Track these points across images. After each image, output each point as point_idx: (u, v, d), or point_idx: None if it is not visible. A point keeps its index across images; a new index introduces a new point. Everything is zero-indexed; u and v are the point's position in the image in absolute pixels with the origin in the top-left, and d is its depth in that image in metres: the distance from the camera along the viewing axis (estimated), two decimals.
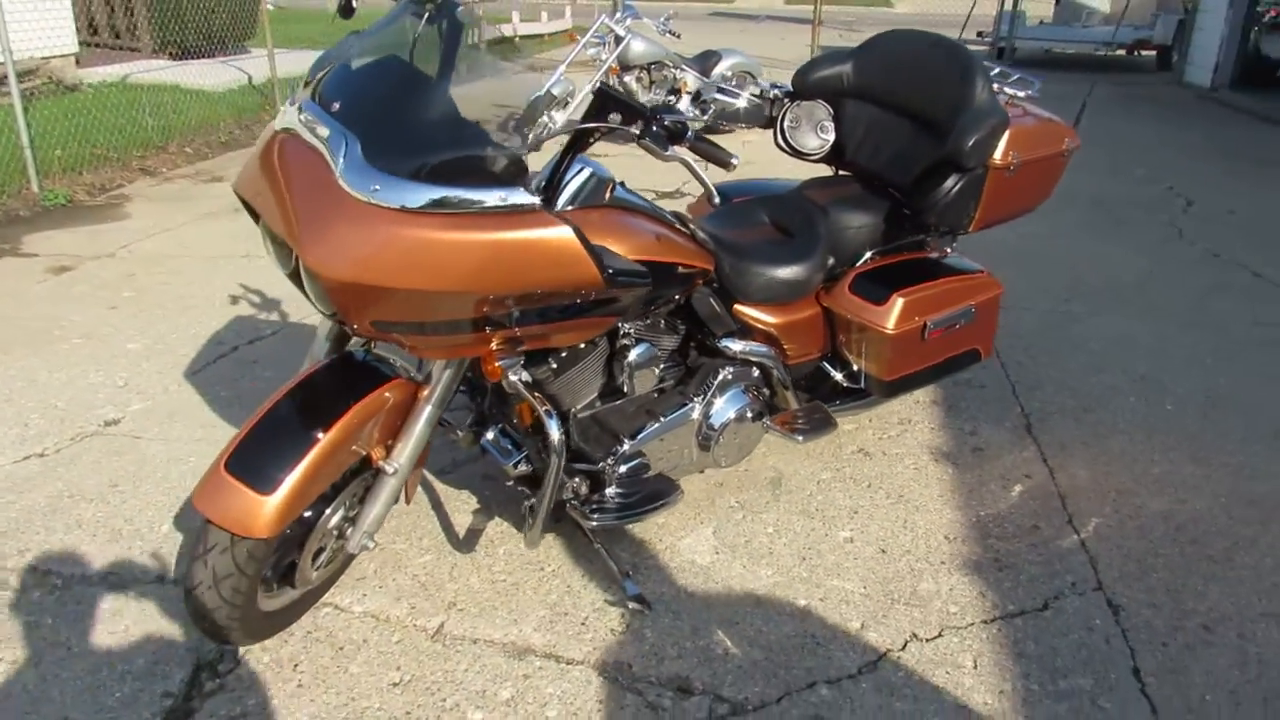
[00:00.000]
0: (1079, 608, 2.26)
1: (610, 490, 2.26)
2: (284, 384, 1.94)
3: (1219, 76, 10.52)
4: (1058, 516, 2.62)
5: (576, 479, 2.27)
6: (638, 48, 6.81)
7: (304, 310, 3.89)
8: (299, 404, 1.86)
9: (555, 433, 1.98)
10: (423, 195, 1.61)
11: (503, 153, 1.68)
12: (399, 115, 1.70)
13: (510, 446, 2.27)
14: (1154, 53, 12.62)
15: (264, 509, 1.73)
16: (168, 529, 2.49)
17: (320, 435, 1.80)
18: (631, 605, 2.22)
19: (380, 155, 1.62)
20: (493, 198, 1.64)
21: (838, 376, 2.69)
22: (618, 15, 7.21)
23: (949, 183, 2.49)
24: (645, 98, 7.08)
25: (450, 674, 2.03)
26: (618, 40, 7.01)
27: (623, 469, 2.27)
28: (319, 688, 1.98)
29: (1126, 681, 2.04)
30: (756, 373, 2.49)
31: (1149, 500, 2.70)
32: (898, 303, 2.46)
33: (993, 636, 2.16)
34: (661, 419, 2.34)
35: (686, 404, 2.38)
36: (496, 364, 1.87)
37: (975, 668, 2.07)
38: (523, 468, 2.26)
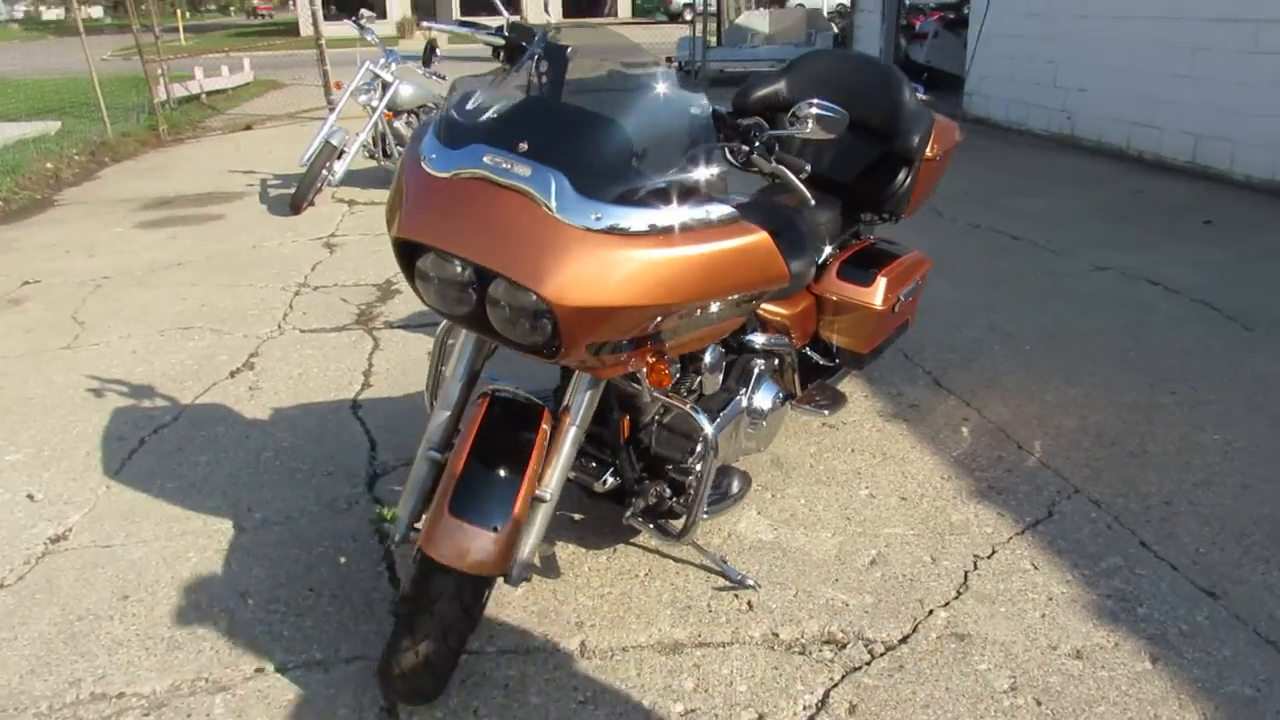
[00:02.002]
0: (1073, 509, 2.75)
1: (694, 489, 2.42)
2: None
3: None
4: (1009, 445, 3.12)
5: (659, 484, 2.41)
6: (406, 92, 6.82)
7: (193, 391, 3.65)
8: (493, 443, 1.88)
9: (709, 427, 2.14)
10: (642, 218, 1.73)
11: (698, 171, 1.82)
12: (590, 148, 1.80)
13: (594, 464, 2.38)
14: None
15: (497, 546, 1.76)
16: (230, 624, 2.33)
17: (524, 469, 1.84)
18: (741, 586, 2.41)
19: (588, 187, 1.72)
20: (702, 212, 1.79)
21: (815, 357, 3.03)
22: (381, 61, 7.23)
23: (901, 175, 2.91)
24: None
25: (627, 681, 2.12)
26: (385, 86, 7.02)
27: (699, 467, 2.45)
28: None
29: (1141, 552, 2.53)
30: (776, 361, 2.76)
31: (1063, 420, 3.28)
32: (882, 282, 2.83)
33: (1031, 543, 2.58)
34: (721, 414, 2.54)
35: (734, 397, 2.60)
36: (666, 371, 2.00)
37: (1036, 569, 2.48)
38: (611, 482, 2.37)
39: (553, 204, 1.71)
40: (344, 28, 9.26)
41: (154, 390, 3.70)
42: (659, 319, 1.80)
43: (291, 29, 34.61)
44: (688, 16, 36.13)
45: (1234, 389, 3.48)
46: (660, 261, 1.72)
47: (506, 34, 2.06)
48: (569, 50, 2.01)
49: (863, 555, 2.55)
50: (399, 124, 7.00)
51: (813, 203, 2.25)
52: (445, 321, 2.40)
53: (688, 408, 2.16)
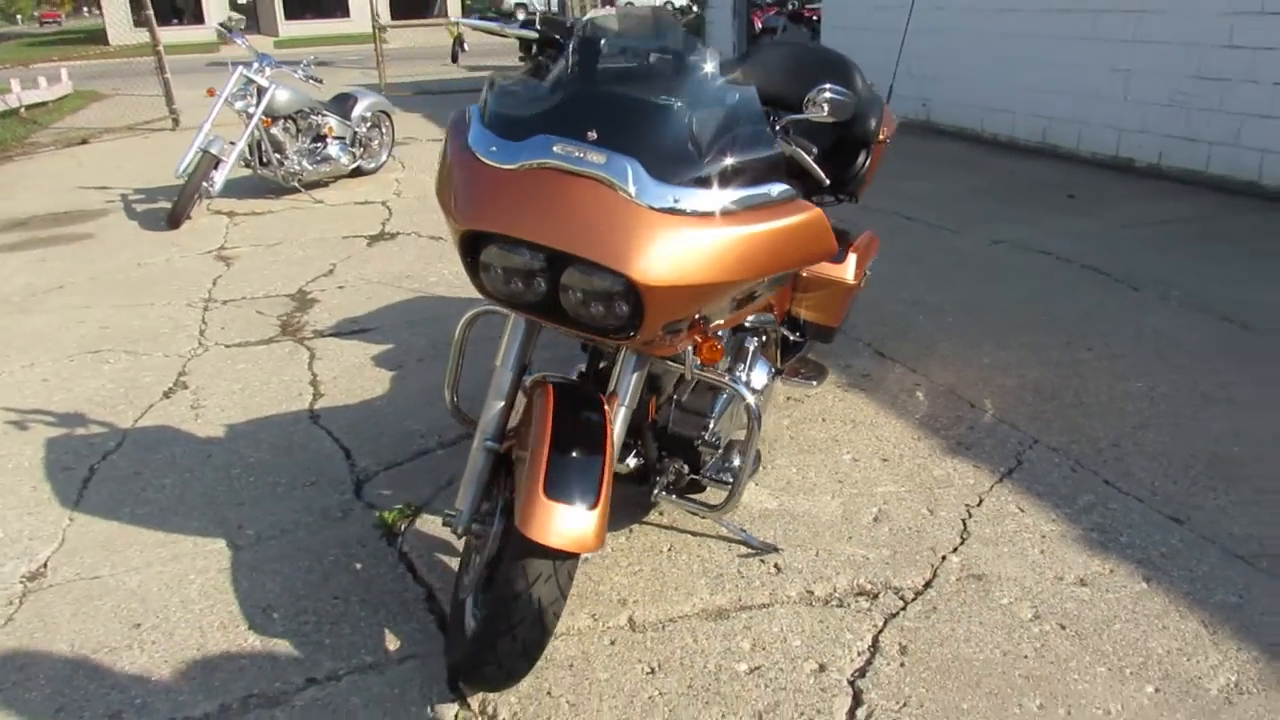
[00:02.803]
0: (1038, 456, 2.99)
1: (715, 462, 2.52)
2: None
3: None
4: (964, 405, 3.36)
5: (677, 461, 2.50)
6: (283, 97, 6.63)
7: (129, 414, 3.49)
8: (570, 425, 1.92)
9: (750, 398, 2.24)
10: (714, 198, 1.81)
11: (760, 152, 1.91)
12: (659, 133, 1.86)
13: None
14: None
15: (593, 522, 1.80)
16: (262, 639, 2.27)
17: (603, 449, 1.89)
18: (765, 551, 2.53)
19: (660, 171, 1.79)
20: (769, 191, 1.88)
21: (786, 334, 3.18)
22: (255, 65, 7.03)
23: (860, 158, 3.09)
24: (294, 147, 6.95)
25: (685, 648, 2.20)
26: (260, 92, 6.84)
27: (714, 442, 2.55)
28: (592, 700, 2.05)
29: (1107, 490, 2.80)
30: (764, 338, 2.89)
31: (1003, 379, 3.56)
32: (852, 258, 3.00)
33: (1011, 489, 2.81)
34: (726, 392, 2.65)
35: (760, 370, 2.70)
36: (719, 347, 2.09)
37: (1023, 511, 2.70)
38: (633, 463, 2.44)
39: (631, 189, 1.76)
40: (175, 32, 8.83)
41: (85, 417, 3.50)
42: (726, 296, 1.89)
43: (94, 36, 32.52)
44: (520, 16, 36.33)
45: (1140, 343, 3.85)
46: (734, 239, 1.81)
47: (539, 28, 2.09)
48: (608, 38, 2.06)
49: (865, 513, 2.71)
50: (276, 130, 6.78)
51: (827, 182, 2.38)
52: (467, 316, 2.41)
53: (729, 381, 2.25)
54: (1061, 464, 2.93)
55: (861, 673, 2.10)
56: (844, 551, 2.53)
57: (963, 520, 2.65)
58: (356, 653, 2.22)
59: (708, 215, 1.79)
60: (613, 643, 2.23)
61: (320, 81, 7.05)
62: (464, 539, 2.12)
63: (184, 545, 2.68)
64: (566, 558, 1.83)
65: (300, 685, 2.12)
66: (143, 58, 10.94)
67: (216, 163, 6.39)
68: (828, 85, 2.16)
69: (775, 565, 2.48)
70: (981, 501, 2.74)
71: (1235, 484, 2.79)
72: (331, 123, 7.20)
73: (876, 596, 2.35)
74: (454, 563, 2.54)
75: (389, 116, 7.88)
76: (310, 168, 7.02)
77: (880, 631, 2.22)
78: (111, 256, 5.76)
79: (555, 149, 1.81)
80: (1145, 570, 2.42)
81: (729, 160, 1.84)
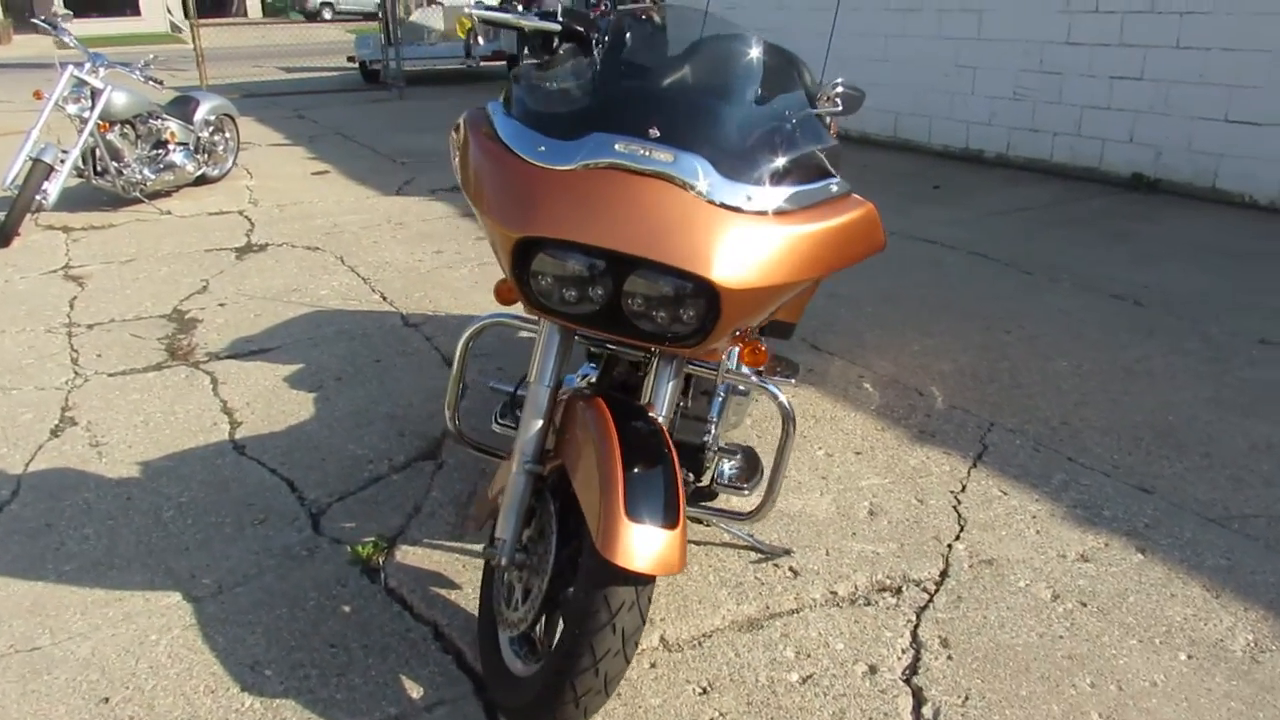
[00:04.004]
0: (1000, 439, 3.09)
1: (716, 469, 2.46)
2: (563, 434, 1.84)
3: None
4: (912, 393, 3.44)
5: (684, 472, 2.42)
6: (120, 100, 6.09)
7: (16, 459, 3.10)
8: (636, 442, 1.80)
9: (783, 398, 2.18)
10: (783, 196, 1.74)
11: (819, 144, 1.85)
12: (723, 129, 1.76)
13: None
14: (505, 62, 14.38)
15: (677, 542, 1.70)
16: (261, 700, 2.04)
17: (671, 464, 1.80)
18: (775, 555, 2.49)
19: (728, 168, 1.71)
20: (829, 185, 1.83)
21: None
22: (87, 66, 6.49)
23: None
24: (134, 154, 6.46)
25: (730, 662, 2.13)
26: (94, 94, 6.32)
27: (716, 446, 2.49)
28: None
29: (1074, 467, 2.92)
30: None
31: (940, 365, 3.66)
32: None
33: (987, 473, 2.88)
34: (719, 395, 2.59)
35: (771, 372, 2.64)
36: (764, 349, 2.02)
37: (1006, 494, 2.77)
38: None
39: (704, 188, 1.67)
40: None
41: None
42: (789, 296, 1.82)
43: None
44: (327, 15, 34.76)
45: (1051, 324, 4.05)
46: (806, 237, 1.74)
47: (560, 20, 1.95)
48: (650, 30, 1.96)
49: (859, 508, 2.71)
50: (113, 136, 6.20)
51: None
52: (470, 331, 2.24)
53: (762, 383, 2.19)
54: (1024, 445, 3.03)
55: (913, 670, 2.08)
56: (853, 548, 2.51)
57: (954, 508, 2.69)
58: (377, 705, 2.02)
59: (780, 213, 1.72)
60: (653, 665, 2.12)
61: (160, 83, 6.51)
62: (503, 570, 1.96)
63: (133, 603, 2.38)
64: (647, 582, 1.72)
65: None
66: None
67: (49, 172, 5.77)
68: (840, 80, 2.12)
69: (790, 569, 2.44)
70: (964, 487, 2.79)
71: (1183, 452, 2.96)
72: (173, 127, 6.66)
73: (900, 591, 2.34)
74: (453, 595, 2.37)
75: (233, 120, 7.37)
76: (152, 176, 6.47)
77: (916, 626, 2.22)
78: None
79: (617, 147, 1.70)
80: (1136, 541, 2.52)
81: (793, 155, 1.77)
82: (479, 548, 2.56)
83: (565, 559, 1.84)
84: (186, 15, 12.47)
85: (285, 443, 3.17)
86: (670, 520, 1.69)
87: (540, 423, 1.92)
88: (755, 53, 1.89)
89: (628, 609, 1.70)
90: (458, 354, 2.25)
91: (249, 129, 9.80)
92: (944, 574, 2.40)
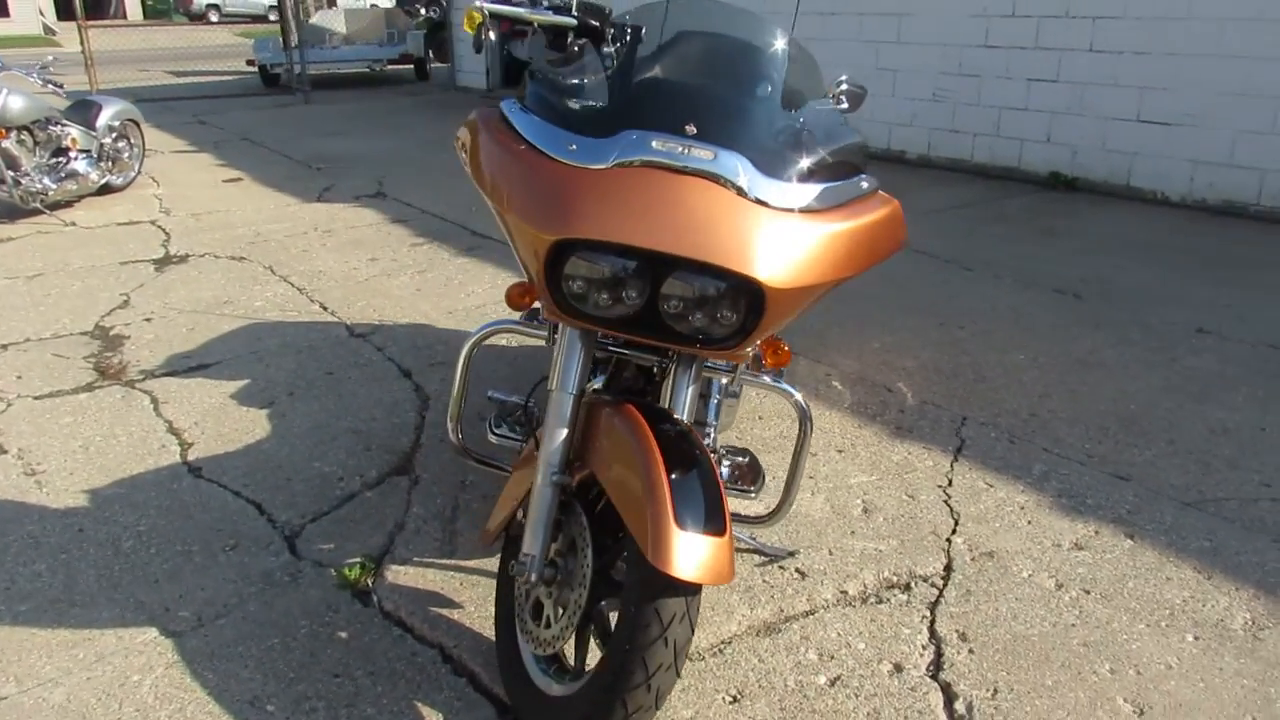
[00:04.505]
0: (975, 433, 3.14)
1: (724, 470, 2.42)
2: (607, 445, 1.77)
3: (491, 79, 12.30)
4: (881, 389, 3.47)
5: None
6: (17, 105, 5.74)
7: None
8: (672, 448, 1.74)
9: (799, 397, 2.15)
10: (826, 195, 1.71)
11: (848, 139, 1.83)
12: (760, 126, 1.73)
13: None
14: (412, 65, 14.12)
15: (727, 550, 1.66)
16: None
17: (713, 467, 1.75)
18: (780, 557, 2.47)
19: (767, 166, 1.68)
20: (860, 183, 1.81)
21: None
22: None
23: None
24: (32, 162, 6.15)
25: (755, 669, 2.10)
26: None
27: (717, 449, 2.46)
28: None
29: (1051, 457, 2.98)
30: None
31: (903, 362, 3.70)
32: None
33: (970, 466, 2.92)
34: (715, 398, 2.55)
35: (715, 379, 2.61)
36: (786, 349, 1.99)
37: (992, 487, 2.81)
38: None
39: (745, 186, 1.64)
40: None
41: None
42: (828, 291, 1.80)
43: None
44: (213, 18, 33.54)
45: (1001, 319, 4.14)
46: (843, 235, 1.72)
47: (575, 14, 1.89)
48: (673, 25, 1.90)
49: (853, 506, 2.71)
50: (10, 144, 5.83)
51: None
52: (472, 339, 2.16)
53: (778, 385, 2.16)
54: (999, 438, 3.08)
55: (938, 666, 2.08)
56: (855, 547, 2.51)
57: (945, 502, 2.71)
58: None
59: (819, 211, 1.70)
60: (679, 675, 2.06)
61: (61, 87, 6.16)
62: (531, 587, 1.88)
63: (104, 641, 2.21)
64: (695, 592, 1.67)
65: None
66: None
67: None
68: (844, 77, 2.11)
69: (797, 570, 2.42)
70: (951, 482, 2.82)
71: (1149, 439, 3.06)
72: (74, 134, 6.30)
73: (909, 587, 2.34)
74: (455, 615, 2.27)
75: (138, 126, 7.03)
76: (53, 186, 6.11)
77: (933, 622, 2.22)
78: None
79: (655, 145, 1.64)
80: (1123, 527, 2.58)
81: (827, 151, 1.75)
82: (473, 564, 2.47)
83: (598, 572, 1.77)
84: (59, 16, 11.85)
85: (245, 463, 3.01)
86: (718, 527, 1.64)
87: (565, 432, 1.85)
88: (781, 45, 1.86)
89: (679, 621, 1.65)
90: (460, 364, 2.16)
91: (149, 136, 9.35)
92: (948, 568, 2.41)
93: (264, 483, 2.88)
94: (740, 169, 1.63)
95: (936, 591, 2.32)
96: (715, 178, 1.62)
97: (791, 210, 1.65)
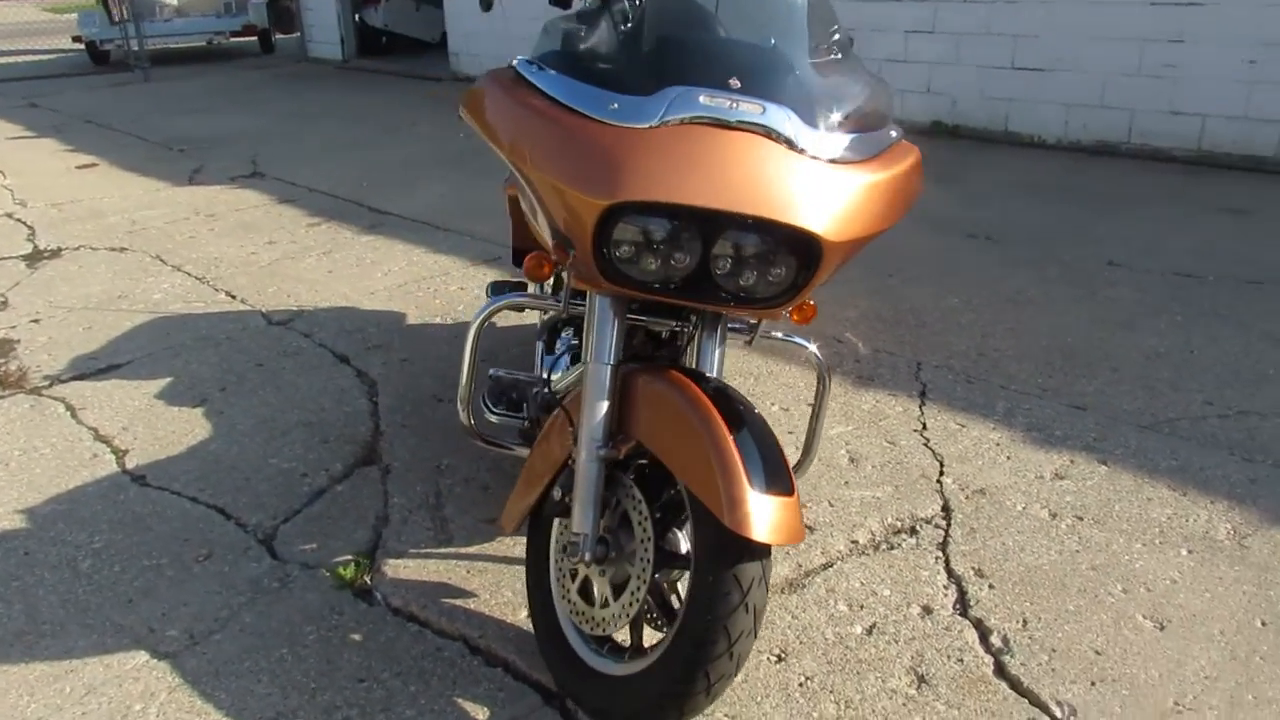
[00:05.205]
0: (934, 376, 3.22)
1: None
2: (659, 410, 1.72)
3: (347, 49, 11.80)
4: (834, 342, 3.51)
5: None
6: None
7: None
8: (725, 409, 1.70)
9: (814, 349, 2.15)
10: (868, 144, 1.69)
11: (879, 89, 1.81)
12: (801, 77, 1.68)
13: None
14: (256, 37, 13.38)
15: (796, 508, 1.64)
16: None
17: (766, 425, 1.73)
18: None
19: (813, 118, 1.65)
20: (890, 132, 1.79)
21: None
22: None
23: None
24: None
25: (792, 626, 2.10)
26: None
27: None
28: (750, 707, 1.88)
29: (1009, 393, 3.09)
30: None
31: (845, 312, 3.77)
32: None
33: (937, 409, 3.00)
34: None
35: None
36: (812, 303, 1.98)
37: (964, 427, 2.89)
38: None
39: (796, 139, 1.60)
40: None
41: None
42: None
43: None
44: None
45: (926, 264, 4.26)
46: (886, 184, 1.71)
47: None
48: None
49: (838, 457, 2.74)
50: None
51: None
52: (480, 317, 2.06)
53: (794, 339, 2.15)
54: (957, 379, 3.17)
55: (964, 604, 2.13)
56: (852, 496, 2.54)
57: (925, 445, 2.78)
58: None
59: (862, 161, 1.68)
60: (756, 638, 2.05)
61: None
62: (576, 565, 1.82)
63: (90, 671, 2.03)
64: (768, 554, 1.65)
65: None
66: None
67: None
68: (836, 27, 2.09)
69: (805, 525, 2.42)
70: (925, 425, 2.89)
71: (1093, 369, 3.21)
72: None
73: (915, 531, 2.39)
74: (470, 604, 2.19)
75: None
76: None
77: (948, 562, 2.27)
78: None
79: (702, 100, 1.58)
80: (1095, 455, 2.70)
81: (864, 99, 1.73)
82: (473, 550, 2.39)
83: (692, 545, 1.72)
84: None
85: (193, 466, 2.80)
86: (787, 486, 1.62)
87: (606, 404, 1.78)
88: None
89: (757, 585, 1.62)
90: (469, 344, 2.05)
91: None
92: (946, 509, 2.47)
93: (221, 485, 2.69)
94: (790, 122, 1.59)
95: (942, 532, 2.38)
96: (770, 131, 1.58)
97: (839, 161, 1.62)
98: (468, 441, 2.78)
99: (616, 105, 1.59)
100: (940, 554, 2.29)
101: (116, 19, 11.78)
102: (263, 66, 12.44)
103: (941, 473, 2.63)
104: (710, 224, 1.59)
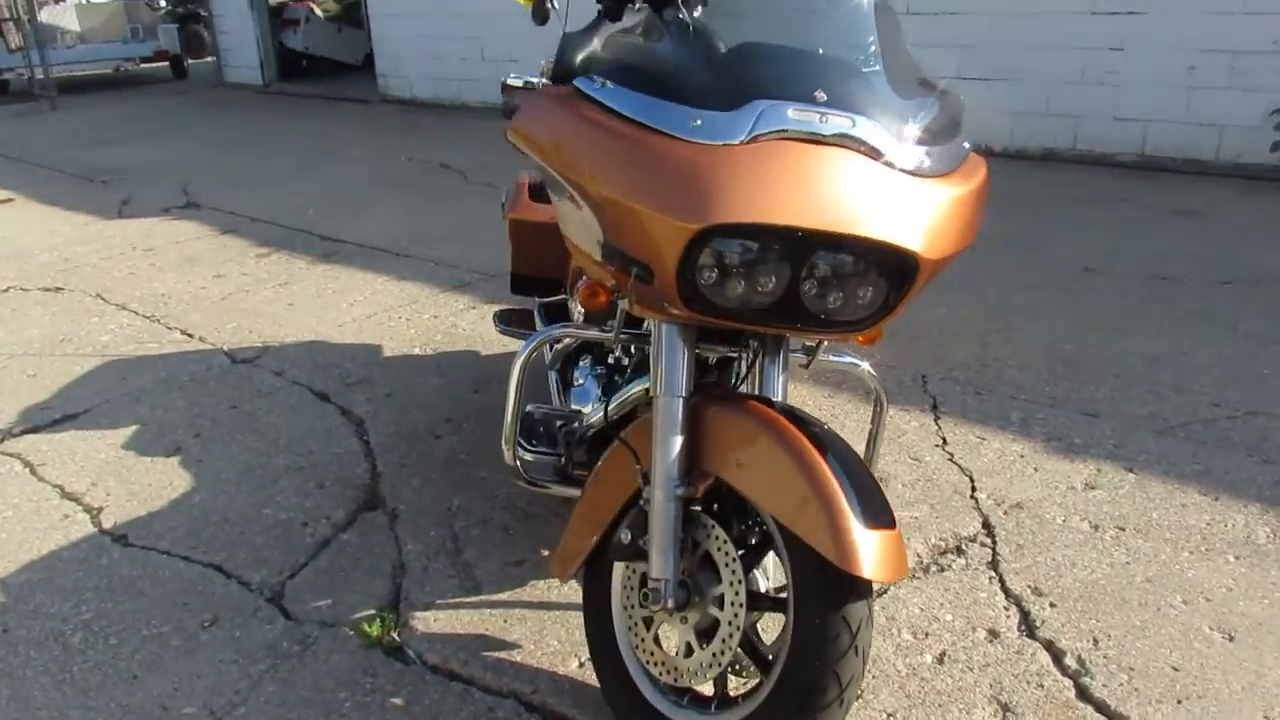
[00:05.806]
0: (940, 389, 3.18)
1: None
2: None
3: (267, 73, 11.46)
4: None
5: None
6: None
7: None
8: (812, 434, 1.61)
9: (868, 367, 2.07)
10: (949, 157, 1.62)
11: (950, 100, 1.73)
12: (882, 87, 1.60)
13: None
14: (168, 63, 12.94)
15: (900, 542, 1.55)
16: None
17: (858, 456, 1.64)
18: None
19: (898, 131, 1.57)
20: (963, 144, 1.73)
21: None
22: None
23: None
24: None
25: None
26: None
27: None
28: None
29: (1020, 404, 3.06)
30: None
31: None
32: None
33: (953, 424, 2.95)
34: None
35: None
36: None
37: (984, 440, 2.85)
38: None
39: (887, 154, 1.52)
40: None
41: None
42: None
43: None
44: None
45: None
46: (968, 199, 1.64)
47: None
48: None
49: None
50: None
51: None
52: (525, 351, 1.92)
53: (857, 363, 2.07)
54: (965, 391, 3.14)
55: (1029, 625, 2.07)
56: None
57: (950, 460, 2.72)
58: None
59: (946, 175, 1.60)
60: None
61: None
62: (654, 611, 1.70)
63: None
64: (871, 593, 1.56)
65: None
66: None
67: None
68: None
69: None
70: (945, 440, 2.84)
71: (1097, 376, 3.21)
72: None
73: (961, 550, 2.33)
74: (515, 656, 2.05)
75: None
76: None
77: (1003, 581, 2.21)
78: None
79: (791, 114, 1.49)
80: (1117, 462, 2.68)
81: (940, 110, 1.66)
82: (505, 597, 2.25)
83: (791, 589, 1.61)
84: None
85: (179, 521, 2.60)
86: (889, 518, 1.53)
87: (680, 439, 1.67)
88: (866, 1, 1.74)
89: (865, 626, 1.53)
90: (514, 380, 1.92)
91: None
92: (987, 525, 2.42)
93: (214, 541, 2.50)
94: (879, 135, 1.51)
95: (989, 550, 2.32)
96: (863, 145, 1.49)
97: (925, 174, 1.55)
98: (474, 479, 2.64)
99: (699, 121, 1.48)
100: (993, 573, 2.23)
101: (15, 45, 11.24)
102: (179, 92, 12.01)
103: (973, 488, 2.57)
104: (801, 244, 1.50)
